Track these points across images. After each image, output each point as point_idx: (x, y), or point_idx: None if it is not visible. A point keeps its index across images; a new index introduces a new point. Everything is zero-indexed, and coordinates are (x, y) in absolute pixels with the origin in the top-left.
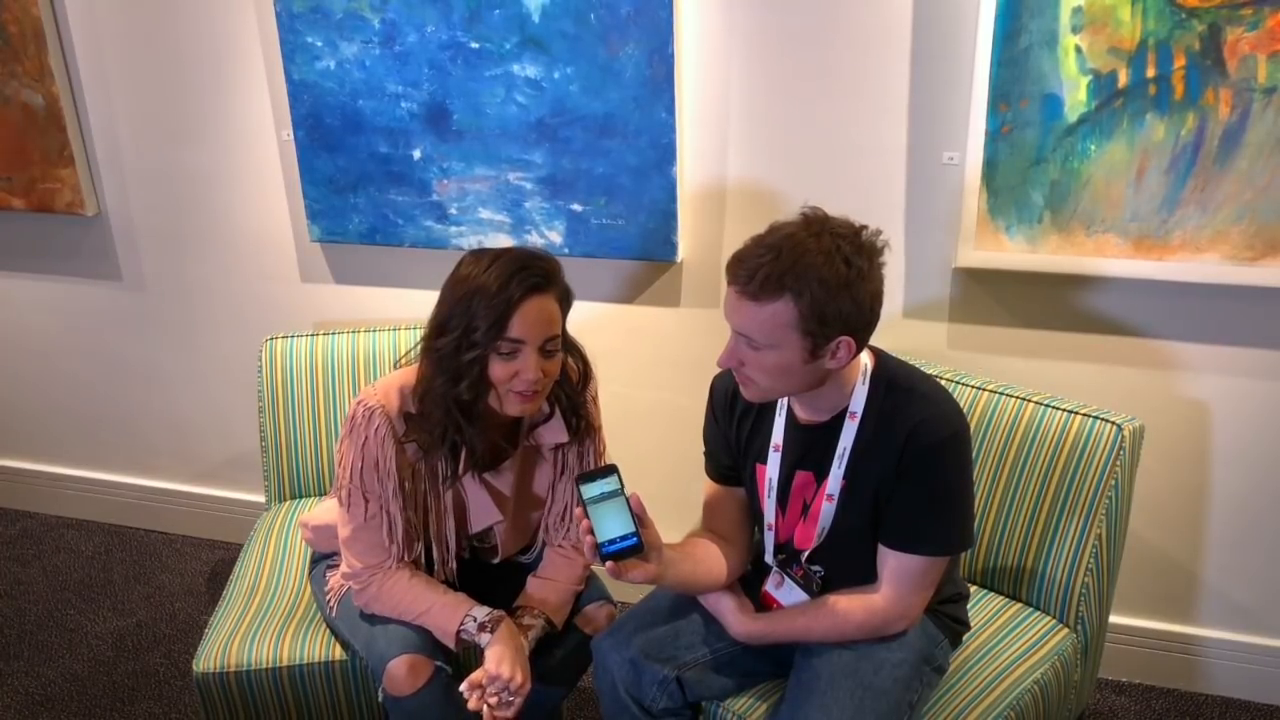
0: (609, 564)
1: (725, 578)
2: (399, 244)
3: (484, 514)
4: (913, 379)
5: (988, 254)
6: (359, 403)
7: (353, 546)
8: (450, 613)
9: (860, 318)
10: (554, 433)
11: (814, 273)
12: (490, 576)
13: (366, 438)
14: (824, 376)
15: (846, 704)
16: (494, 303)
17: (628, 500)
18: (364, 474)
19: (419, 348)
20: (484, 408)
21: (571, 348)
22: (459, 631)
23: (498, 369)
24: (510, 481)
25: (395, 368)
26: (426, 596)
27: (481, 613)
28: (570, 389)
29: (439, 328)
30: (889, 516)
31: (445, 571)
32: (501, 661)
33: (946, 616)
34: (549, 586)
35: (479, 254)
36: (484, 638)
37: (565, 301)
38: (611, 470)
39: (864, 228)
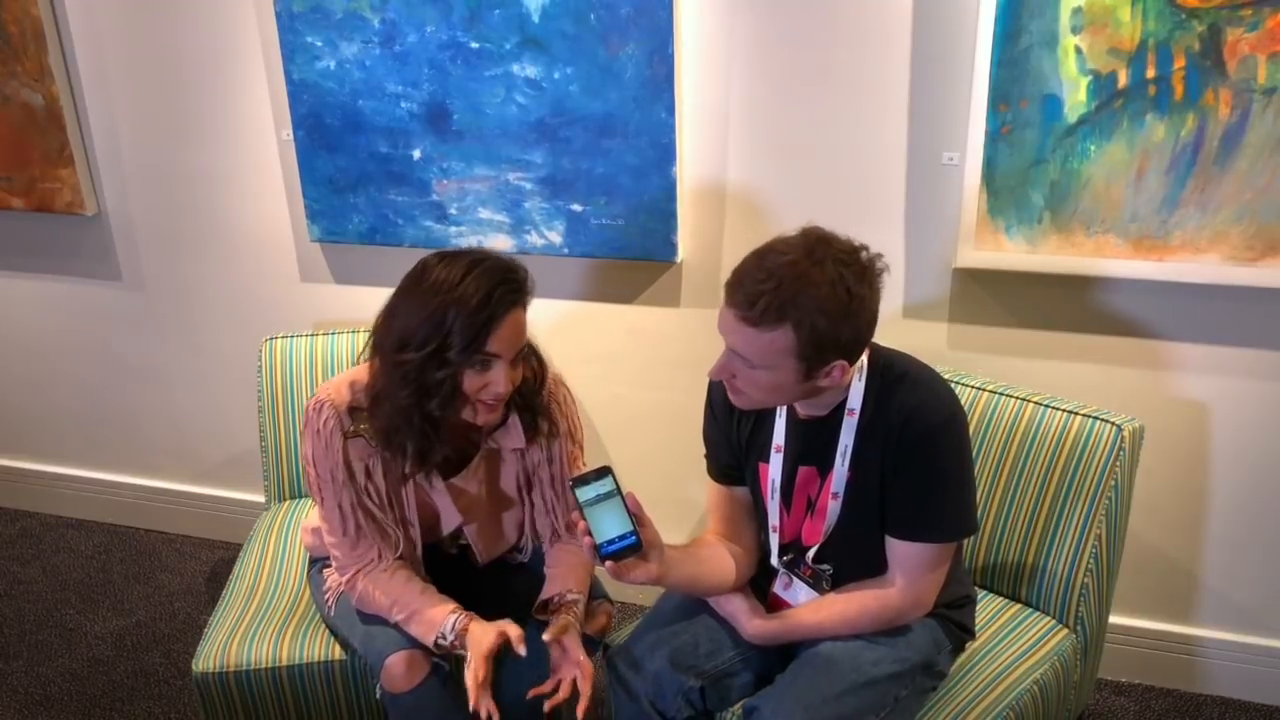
0: (609, 564)
1: (734, 578)
2: (399, 244)
3: (449, 518)
4: (906, 365)
5: (988, 254)
6: (312, 397)
7: (337, 545)
8: (424, 628)
9: (858, 343)
10: (510, 436)
11: (816, 304)
12: (479, 577)
13: (317, 430)
14: (816, 392)
15: (838, 682)
16: (475, 319)
17: (624, 500)
18: (321, 467)
19: (368, 348)
20: (447, 416)
21: (530, 350)
22: (434, 646)
23: (469, 381)
24: (477, 484)
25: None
26: (404, 602)
27: (448, 628)
28: (526, 389)
29: (403, 340)
30: (892, 506)
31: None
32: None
33: (953, 622)
34: (566, 572)
35: (448, 260)
36: (461, 650)
37: (527, 307)
38: (605, 472)
39: (863, 248)
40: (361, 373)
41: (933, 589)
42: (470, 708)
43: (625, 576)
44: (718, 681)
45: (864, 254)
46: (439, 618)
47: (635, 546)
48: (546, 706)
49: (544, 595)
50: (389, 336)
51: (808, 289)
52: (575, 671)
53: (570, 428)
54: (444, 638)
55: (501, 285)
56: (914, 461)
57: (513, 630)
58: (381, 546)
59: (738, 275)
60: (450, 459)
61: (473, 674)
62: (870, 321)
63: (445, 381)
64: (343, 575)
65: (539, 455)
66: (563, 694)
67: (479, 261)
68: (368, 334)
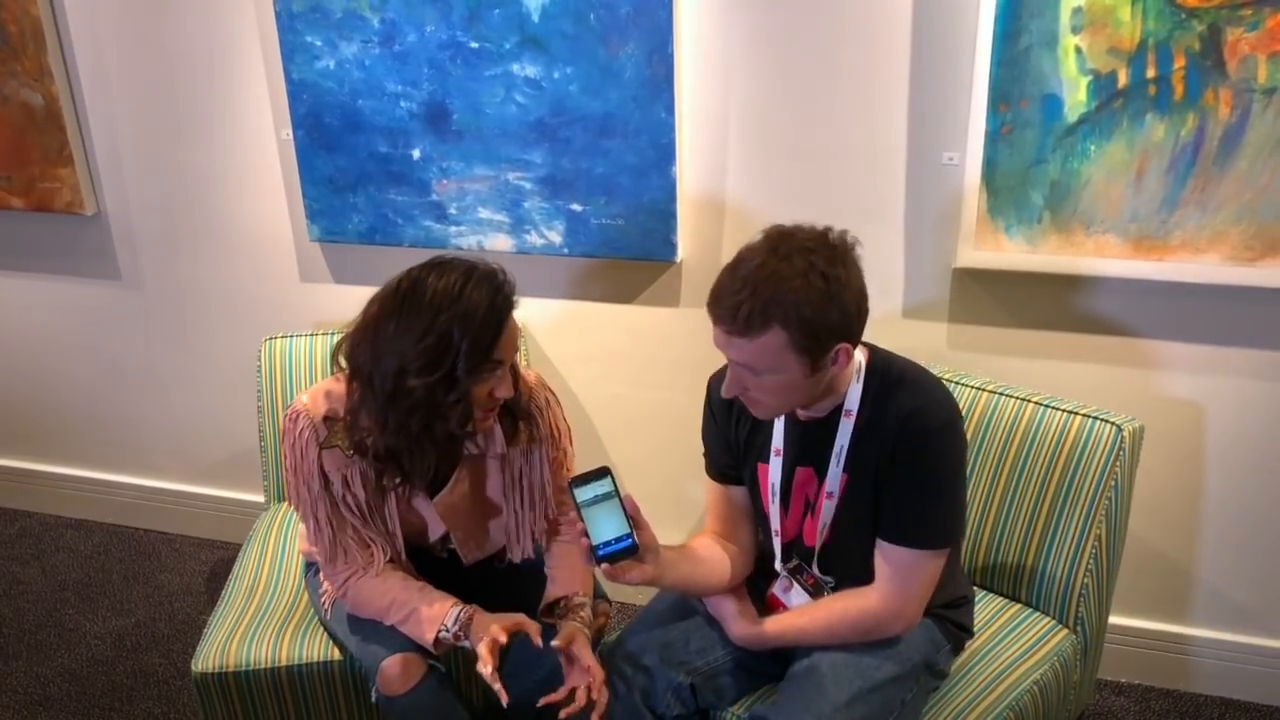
0: (604, 566)
1: (729, 578)
2: (398, 244)
3: (434, 527)
4: (904, 369)
5: (988, 254)
6: (288, 408)
7: (319, 554)
8: (425, 624)
9: (851, 322)
10: (492, 442)
11: (794, 297)
12: (470, 578)
13: (293, 440)
14: (829, 385)
15: (844, 690)
16: (484, 332)
17: (622, 502)
18: (299, 477)
19: (346, 368)
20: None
21: None
22: (436, 643)
23: (477, 391)
24: (460, 493)
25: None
26: (403, 601)
27: (451, 619)
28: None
29: (404, 365)
30: (884, 509)
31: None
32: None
33: (951, 622)
34: (570, 574)
35: (438, 271)
36: (465, 644)
37: None
38: (604, 473)
39: (828, 230)
40: (336, 383)
41: (918, 599)
42: (490, 672)
43: (620, 578)
44: (710, 679)
45: (831, 235)
46: (441, 611)
47: (631, 549)
48: (563, 715)
49: (549, 597)
50: (382, 361)
51: (782, 284)
52: (587, 679)
53: (553, 430)
54: (446, 629)
55: (499, 293)
56: (909, 465)
57: (530, 625)
58: (366, 553)
59: (715, 293)
60: (438, 472)
61: (488, 643)
62: (857, 298)
63: (460, 401)
64: (333, 584)
65: (521, 460)
66: (578, 703)
67: (470, 271)
68: (343, 342)
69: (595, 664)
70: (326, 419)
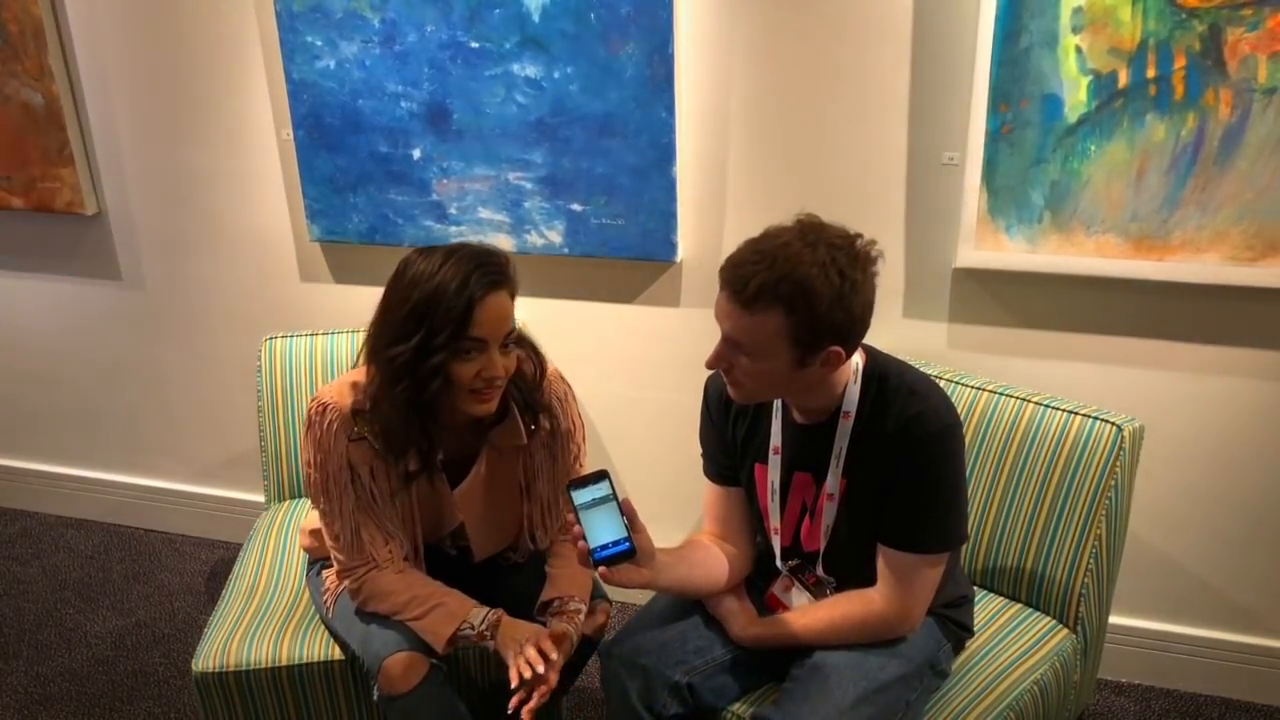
0: (601, 569)
1: (726, 580)
2: (399, 243)
3: (450, 517)
4: (904, 374)
5: (988, 254)
6: (313, 400)
7: (339, 548)
8: (446, 621)
9: (851, 329)
10: (512, 434)
11: (808, 284)
12: (476, 577)
13: (320, 434)
14: (813, 383)
15: (850, 691)
16: (455, 303)
17: (619, 505)
18: (325, 470)
19: (364, 353)
20: (445, 410)
21: (524, 342)
22: (455, 639)
23: (461, 369)
24: (479, 482)
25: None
26: (423, 598)
27: (478, 619)
28: (525, 385)
29: (392, 336)
30: (886, 514)
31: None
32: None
33: (951, 621)
34: (570, 575)
35: (426, 253)
36: (489, 644)
37: (514, 295)
38: (603, 476)
39: (858, 236)
40: (361, 374)
41: (921, 601)
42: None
43: (616, 581)
44: (709, 678)
45: (859, 241)
46: (463, 610)
47: (629, 553)
48: (511, 706)
49: (545, 596)
50: (380, 338)
51: (800, 268)
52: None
53: (570, 424)
54: (471, 628)
55: (478, 270)
56: (910, 471)
57: (548, 644)
58: (385, 549)
59: (731, 259)
60: (453, 460)
61: (527, 660)
62: (865, 307)
63: (437, 371)
64: (347, 578)
65: (540, 453)
66: (531, 706)
67: (455, 250)
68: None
69: (555, 672)
70: (355, 412)
